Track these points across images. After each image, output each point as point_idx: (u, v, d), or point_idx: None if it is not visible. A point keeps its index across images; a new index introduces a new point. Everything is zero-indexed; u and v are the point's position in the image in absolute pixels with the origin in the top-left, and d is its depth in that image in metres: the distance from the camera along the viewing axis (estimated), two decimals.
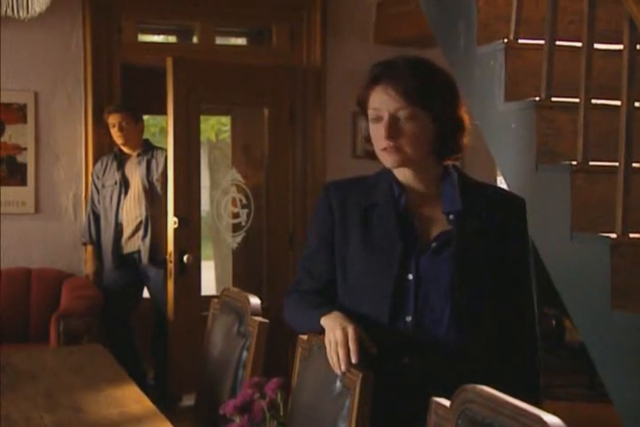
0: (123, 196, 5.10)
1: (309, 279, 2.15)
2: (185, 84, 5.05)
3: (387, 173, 2.08)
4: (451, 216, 2.02)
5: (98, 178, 5.18)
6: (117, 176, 5.12)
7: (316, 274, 2.14)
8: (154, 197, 5.11)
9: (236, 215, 5.53)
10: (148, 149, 5.20)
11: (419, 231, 2.02)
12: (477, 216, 2.02)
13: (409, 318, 1.98)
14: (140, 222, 5.08)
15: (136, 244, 5.10)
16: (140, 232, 5.08)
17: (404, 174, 2.06)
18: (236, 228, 5.55)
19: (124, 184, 5.12)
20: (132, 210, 5.11)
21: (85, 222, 5.22)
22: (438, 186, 2.06)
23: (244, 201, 5.53)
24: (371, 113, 2.01)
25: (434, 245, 2.00)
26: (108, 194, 5.13)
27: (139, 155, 5.16)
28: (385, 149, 1.99)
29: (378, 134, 1.99)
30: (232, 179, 5.58)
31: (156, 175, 5.11)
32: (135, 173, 5.14)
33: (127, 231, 5.11)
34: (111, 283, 5.12)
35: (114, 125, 5.10)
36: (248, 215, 5.52)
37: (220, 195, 5.58)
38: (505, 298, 2.04)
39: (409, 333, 1.98)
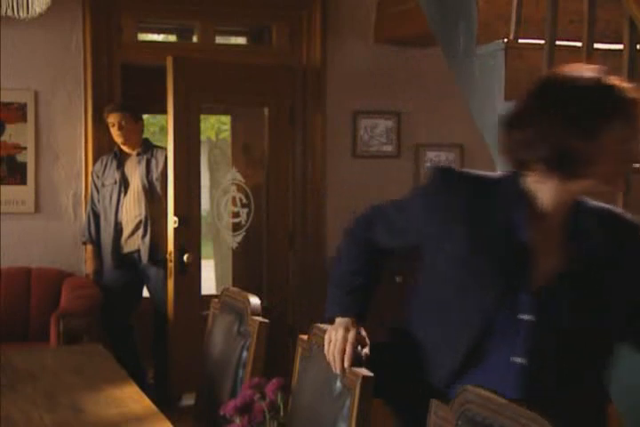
0: (122, 195, 5.10)
1: (383, 229, 2.05)
2: (185, 84, 5.04)
3: (516, 186, 1.86)
4: (573, 252, 1.84)
5: (97, 177, 5.18)
6: (117, 175, 5.12)
7: (387, 233, 2.05)
8: (154, 197, 5.11)
9: (236, 215, 5.53)
10: (148, 149, 5.19)
11: (532, 266, 1.83)
12: (601, 250, 1.84)
13: (519, 360, 1.82)
14: (140, 222, 5.08)
15: (136, 243, 5.09)
16: (140, 231, 5.07)
17: (550, 193, 1.83)
18: (236, 227, 5.54)
19: (124, 183, 5.11)
20: (132, 209, 5.10)
21: (85, 222, 5.22)
22: (566, 214, 1.87)
23: (244, 200, 5.53)
24: (624, 133, 1.76)
25: (552, 285, 1.83)
26: (107, 193, 5.13)
27: (138, 154, 5.16)
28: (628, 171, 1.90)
29: (627, 156, 1.80)
30: (232, 178, 5.58)
31: (155, 174, 5.11)
32: (135, 173, 5.13)
33: (127, 230, 5.10)
34: (111, 282, 5.12)
35: (113, 125, 5.09)
36: (248, 215, 5.51)
37: (220, 194, 5.58)
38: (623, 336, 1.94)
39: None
